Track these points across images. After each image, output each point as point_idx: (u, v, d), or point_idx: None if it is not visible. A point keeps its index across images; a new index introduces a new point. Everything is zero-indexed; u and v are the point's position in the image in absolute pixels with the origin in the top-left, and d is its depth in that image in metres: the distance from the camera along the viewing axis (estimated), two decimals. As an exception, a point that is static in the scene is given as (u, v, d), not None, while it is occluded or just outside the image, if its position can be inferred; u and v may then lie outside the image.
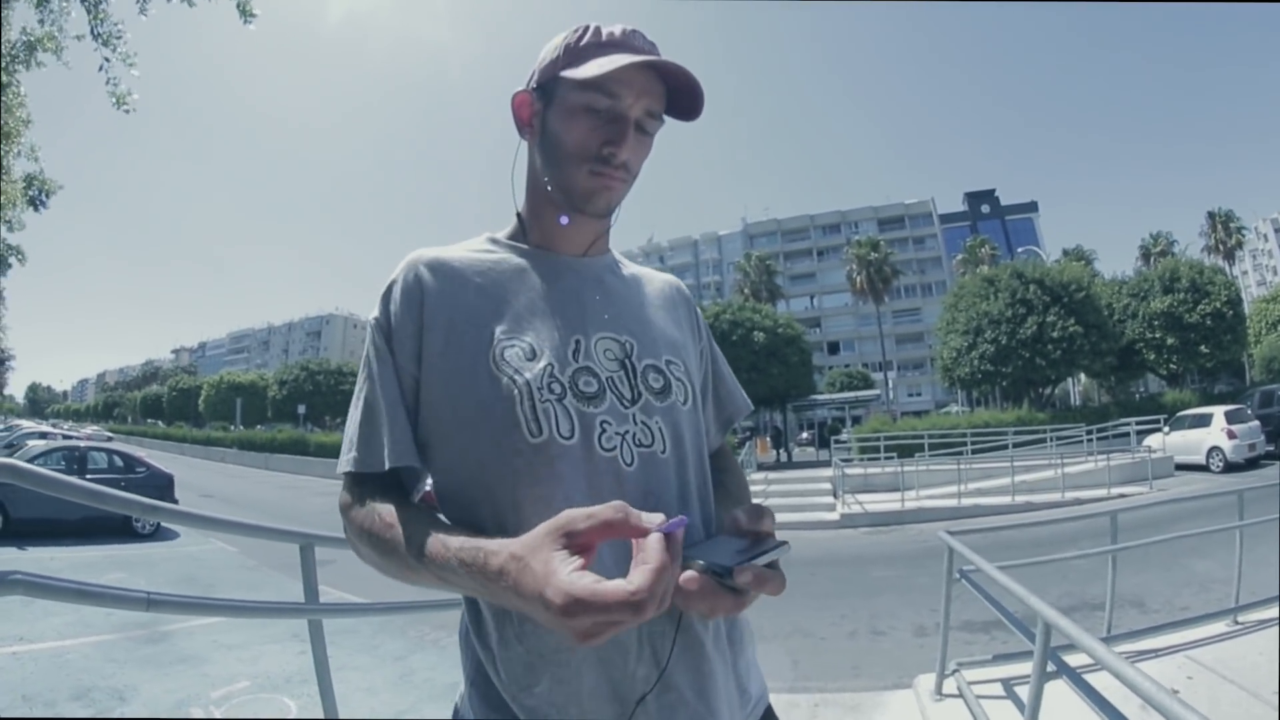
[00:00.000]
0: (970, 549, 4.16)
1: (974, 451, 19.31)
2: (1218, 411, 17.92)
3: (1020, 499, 13.98)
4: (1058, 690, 2.80)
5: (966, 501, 13.78)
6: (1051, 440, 18.86)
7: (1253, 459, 16.80)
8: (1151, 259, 41.86)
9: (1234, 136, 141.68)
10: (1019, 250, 40.12)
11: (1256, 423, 17.73)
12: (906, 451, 17.99)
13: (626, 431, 0.89)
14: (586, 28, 0.94)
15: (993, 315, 25.84)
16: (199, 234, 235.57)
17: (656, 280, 1.12)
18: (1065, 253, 48.64)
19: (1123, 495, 13.53)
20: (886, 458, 17.94)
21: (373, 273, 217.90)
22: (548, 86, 0.94)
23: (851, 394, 35.00)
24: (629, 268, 1.10)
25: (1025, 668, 2.89)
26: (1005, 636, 5.49)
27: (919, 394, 65.18)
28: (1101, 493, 13.96)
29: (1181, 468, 17.09)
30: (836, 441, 23.02)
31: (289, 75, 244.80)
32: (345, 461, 0.90)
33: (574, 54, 0.92)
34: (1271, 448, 17.60)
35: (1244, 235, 50.94)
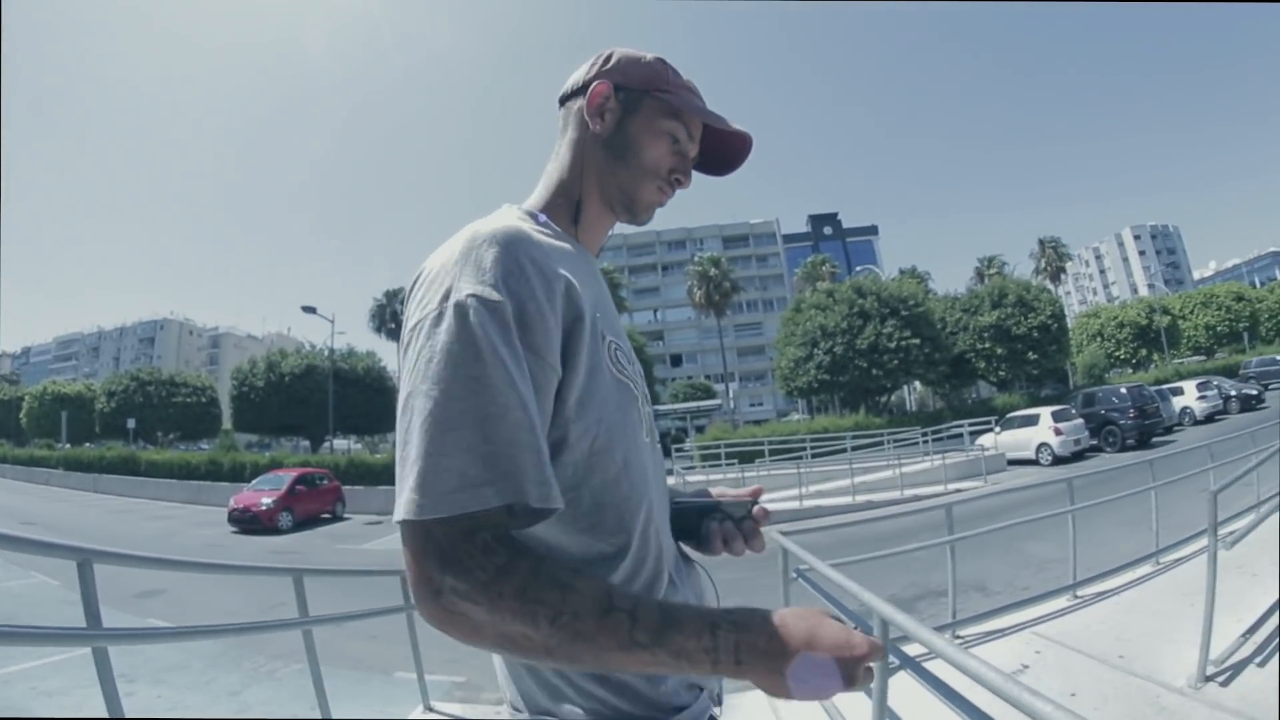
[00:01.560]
0: (808, 548, 4.30)
1: (814, 456, 20.73)
2: (1045, 412, 20.83)
3: (861, 498, 15.00)
4: (905, 682, 2.83)
5: (808, 503, 14.52)
6: (889, 443, 20.95)
7: (1078, 453, 19.81)
8: (984, 279, 47.01)
9: (1064, 175, 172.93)
10: (858, 269, 44.34)
11: (1080, 421, 20.79)
12: (747, 458, 19.51)
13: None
14: (664, 61, 1.06)
15: (830, 327, 28.71)
16: (22, 225, 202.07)
17: None
18: (902, 272, 53.86)
19: (959, 490, 14.70)
20: (728, 464, 19.22)
21: (214, 275, 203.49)
22: (634, 96, 1.04)
23: (693, 404, 38.23)
24: None
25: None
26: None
27: (761, 404, 70.52)
28: (939, 489, 15.18)
29: (1014, 463, 19.57)
30: (678, 450, 24.42)
31: (122, 59, 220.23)
32: (472, 496, 0.75)
33: (663, 81, 1.05)
34: (1094, 442, 20.83)
35: (1069, 260, 59.29)
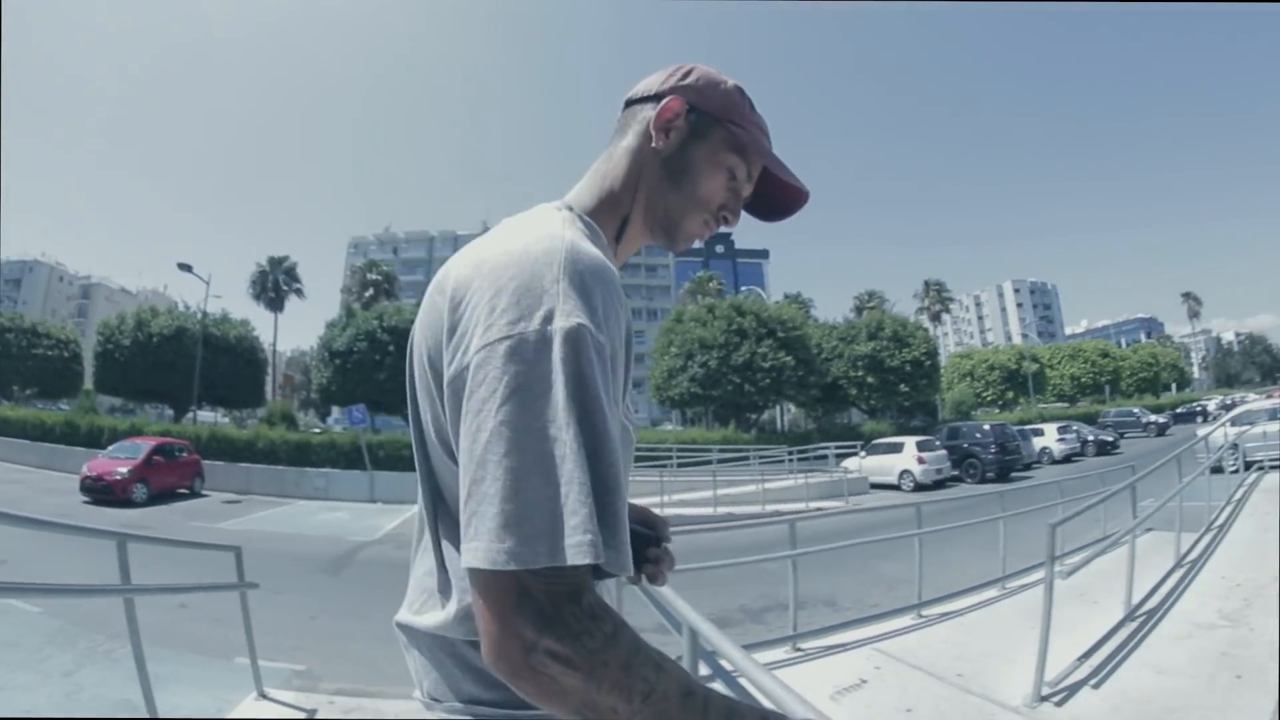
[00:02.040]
0: None
1: (679, 465, 21.26)
2: (910, 441, 22.08)
3: (722, 510, 15.28)
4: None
5: (669, 511, 14.59)
6: (754, 459, 21.51)
7: (939, 481, 20.98)
8: (863, 312, 49.39)
9: (950, 232, 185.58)
10: (743, 288, 45.84)
11: (944, 452, 22.20)
12: None
13: None
14: (743, 92, 1.04)
15: (707, 341, 29.48)
16: None
17: None
18: (787, 296, 56.16)
19: (820, 509, 14.95)
20: None
21: (93, 217, 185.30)
22: (705, 121, 1.00)
23: None
24: None
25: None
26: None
27: (637, 411, 69.21)
28: (800, 506, 15.53)
29: (877, 486, 20.42)
30: None
31: None
32: (581, 549, 0.67)
33: (738, 113, 1.01)
34: (956, 473, 22.24)
35: (951, 303, 64.33)
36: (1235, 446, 13.44)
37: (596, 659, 0.67)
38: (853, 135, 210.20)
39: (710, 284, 56.81)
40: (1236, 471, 12.10)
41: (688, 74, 1.02)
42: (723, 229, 1.07)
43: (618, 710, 0.68)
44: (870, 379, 33.37)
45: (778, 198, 1.08)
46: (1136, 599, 5.78)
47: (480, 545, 0.68)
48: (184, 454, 20.01)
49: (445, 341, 0.80)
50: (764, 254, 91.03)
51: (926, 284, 61.72)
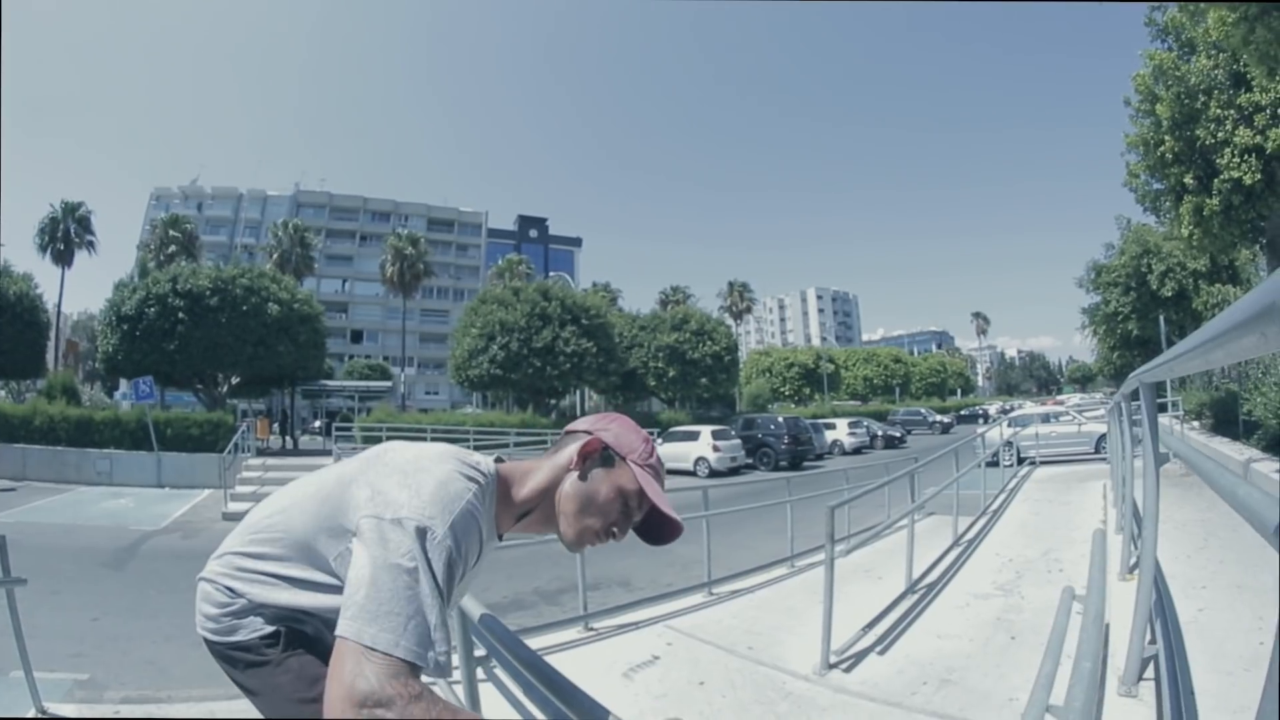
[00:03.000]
0: None
1: (475, 448, 20.15)
2: (705, 430, 23.21)
3: None
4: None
5: None
6: (552, 442, 20.98)
7: (734, 469, 22.21)
8: (668, 305, 51.36)
9: (760, 236, 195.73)
10: (552, 275, 46.69)
11: (738, 441, 23.48)
12: (408, 440, 18.71)
13: None
14: (654, 447, 1.43)
15: (509, 323, 29.55)
16: None
17: None
18: (595, 285, 58.16)
19: None
20: None
21: None
22: (613, 457, 1.36)
23: (364, 383, 37.94)
24: None
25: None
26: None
27: (437, 393, 70.80)
28: None
29: (672, 473, 20.57)
30: (340, 430, 24.91)
31: None
32: (421, 655, 1.08)
33: (644, 458, 1.37)
34: (750, 461, 23.81)
35: (753, 304, 68.31)
36: (1010, 444, 15.21)
37: (414, 705, 0.99)
38: (675, 131, 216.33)
39: (519, 266, 56.88)
40: (1011, 466, 13.51)
41: (611, 423, 1.42)
42: (613, 540, 1.37)
43: None
44: (671, 370, 34.70)
45: (661, 528, 1.38)
46: (917, 574, 6.16)
47: (358, 627, 1.04)
48: (-53, 434, 17.14)
49: (367, 489, 1.25)
50: (577, 242, 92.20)
51: (730, 284, 65.46)
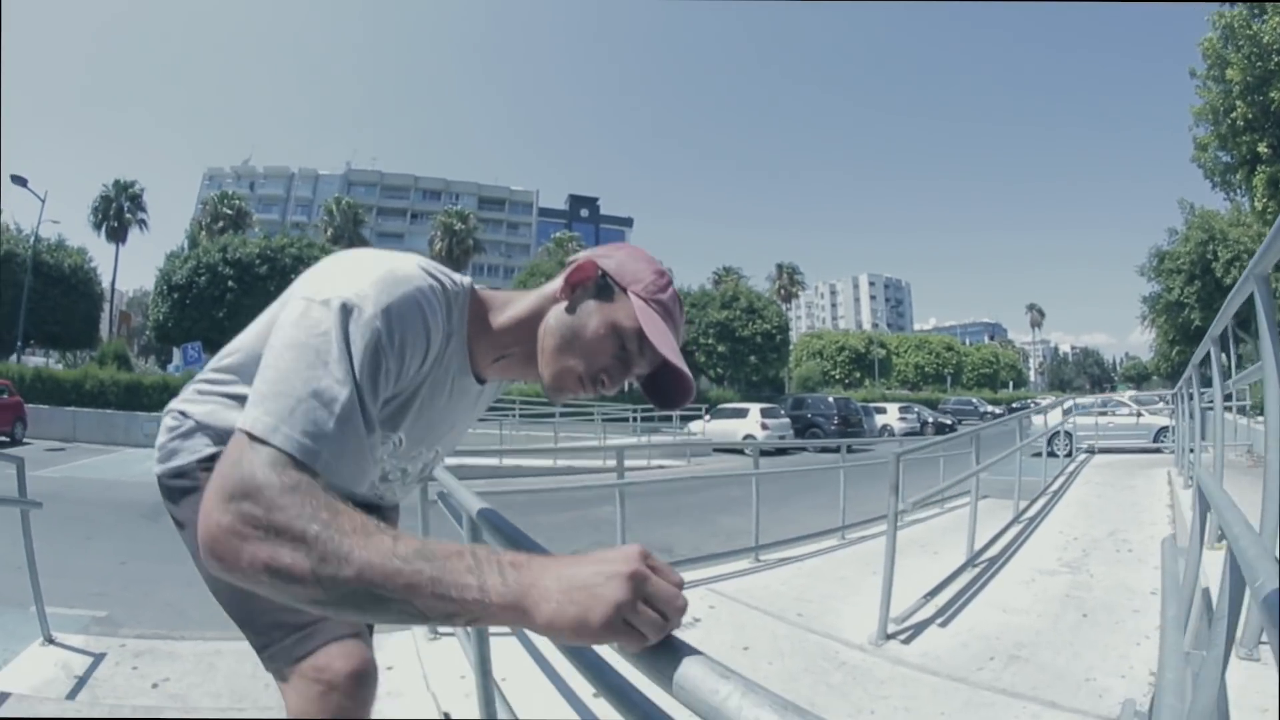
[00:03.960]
0: (501, 507, 3.77)
1: (521, 418, 20.98)
2: (754, 407, 22.75)
3: (562, 463, 15.13)
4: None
5: (508, 462, 14.31)
6: (599, 417, 21.67)
7: (781, 449, 21.01)
8: (720, 284, 51.06)
9: (812, 223, 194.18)
10: None
11: (787, 420, 23.04)
12: None
13: None
14: (670, 281, 1.15)
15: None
16: None
17: None
18: None
19: (661, 467, 15.15)
20: None
21: None
22: (611, 287, 1.10)
23: None
24: None
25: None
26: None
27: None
28: (642, 463, 15.47)
29: (720, 450, 20.07)
30: None
31: None
32: (292, 438, 0.86)
33: (651, 291, 1.10)
34: (798, 441, 22.64)
35: (802, 288, 67.59)
36: (1069, 434, 14.70)
37: (286, 525, 0.75)
38: (728, 114, 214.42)
39: (570, 244, 56.79)
40: (1068, 455, 13.01)
41: (617, 250, 1.15)
42: (603, 393, 1.14)
43: (296, 569, 0.73)
44: (721, 347, 34.59)
45: (669, 383, 1.15)
46: (978, 548, 5.78)
47: (247, 413, 0.85)
48: (4, 395, 17.85)
49: (311, 277, 1.03)
50: (628, 222, 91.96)
51: (779, 266, 64.58)
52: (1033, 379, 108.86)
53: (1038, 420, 13.44)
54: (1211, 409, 4.65)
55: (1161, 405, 17.85)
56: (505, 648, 3.15)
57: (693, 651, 0.70)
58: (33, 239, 29.50)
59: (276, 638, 1.25)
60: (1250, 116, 13.24)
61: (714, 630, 4.20)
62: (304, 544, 0.73)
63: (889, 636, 3.94)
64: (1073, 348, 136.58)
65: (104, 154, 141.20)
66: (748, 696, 0.59)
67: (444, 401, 1.14)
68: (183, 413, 1.28)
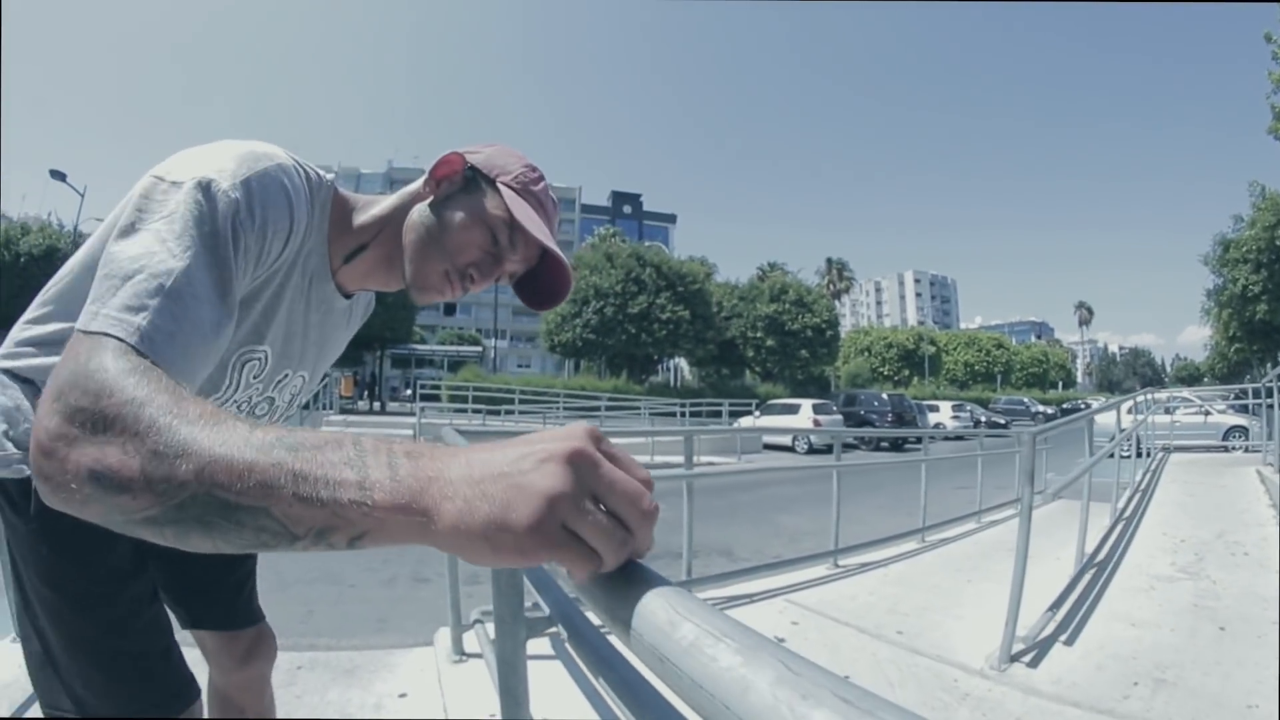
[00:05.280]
0: None
1: (565, 411, 20.61)
2: (806, 404, 22.13)
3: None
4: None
5: None
6: (645, 412, 21.44)
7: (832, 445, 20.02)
8: (766, 278, 49.91)
9: (858, 221, 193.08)
10: (648, 242, 46.81)
11: (840, 416, 22.25)
12: (496, 404, 19.54)
13: None
14: (542, 176, 1.08)
15: (603, 288, 29.52)
16: None
17: None
18: (691, 258, 57.71)
19: (710, 463, 14.57)
20: (475, 410, 19.13)
21: None
22: (479, 179, 1.03)
23: (452, 348, 37.48)
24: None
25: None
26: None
27: (528, 365, 71.97)
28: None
29: (770, 447, 20.15)
30: (425, 394, 24.05)
31: None
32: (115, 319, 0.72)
33: (523, 183, 1.04)
34: (851, 440, 21.82)
35: (852, 283, 67.83)
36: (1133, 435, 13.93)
37: (117, 412, 0.58)
38: (772, 113, 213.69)
39: (612, 239, 56.96)
40: (1129, 457, 12.35)
41: (486, 146, 1.07)
42: (471, 290, 1.06)
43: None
44: (770, 341, 34.02)
45: (547, 278, 1.09)
46: (1084, 551, 5.22)
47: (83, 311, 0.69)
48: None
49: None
50: (671, 219, 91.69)
51: (829, 261, 64.69)
52: (1080, 379, 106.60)
53: (1107, 419, 12.86)
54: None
55: (1224, 405, 16.99)
56: (545, 673, 2.81)
57: (662, 582, 0.50)
58: (74, 234, 29.94)
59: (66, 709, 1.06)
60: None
61: (804, 653, 3.58)
62: (135, 436, 0.55)
63: (1013, 658, 3.41)
64: (1120, 348, 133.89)
65: (145, 149, 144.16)
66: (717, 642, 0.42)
67: (303, 309, 1.06)
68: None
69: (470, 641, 3.35)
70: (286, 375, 1.11)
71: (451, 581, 3.36)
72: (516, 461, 0.50)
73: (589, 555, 0.50)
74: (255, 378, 1.04)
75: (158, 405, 0.57)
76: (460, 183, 1.02)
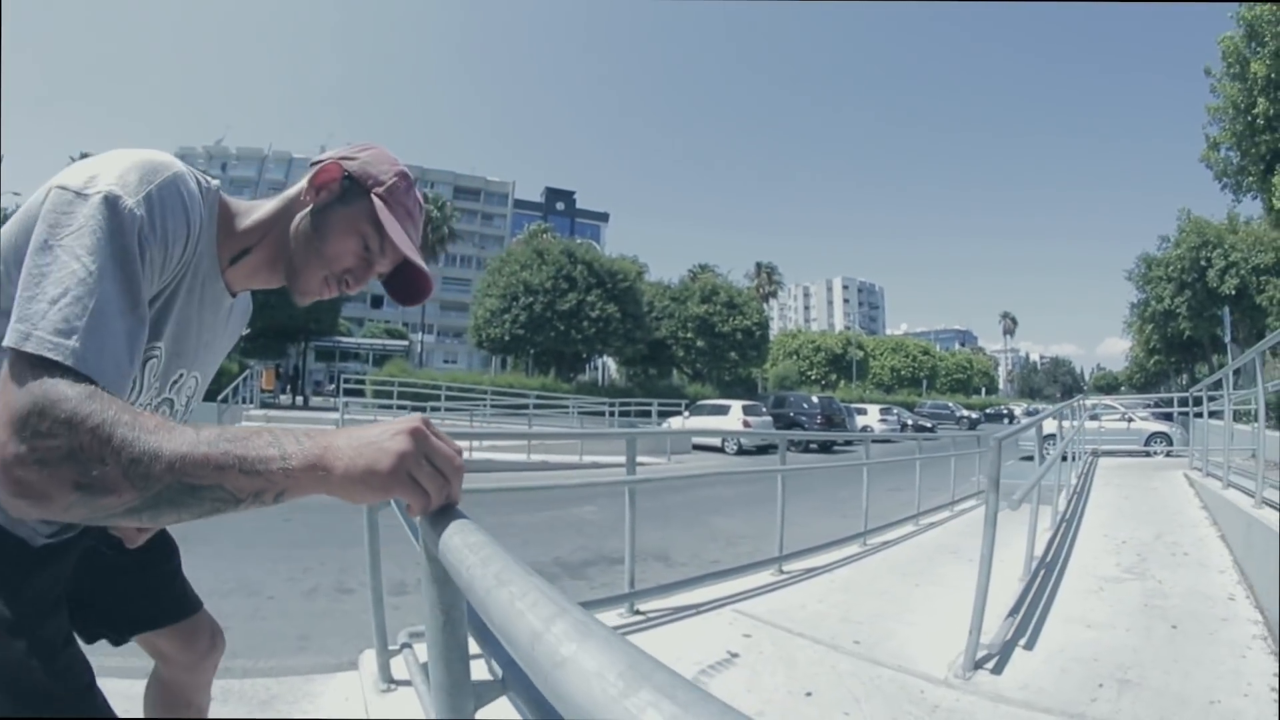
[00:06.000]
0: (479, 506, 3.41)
1: (493, 408, 20.40)
2: (736, 404, 22.25)
3: (536, 458, 14.67)
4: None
5: (479, 455, 13.80)
6: (574, 410, 21.26)
7: (762, 446, 20.71)
8: (697, 279, 50.38)
9: (786, 227, 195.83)
10: (579, 238, 46.53)
11: (770, 418, 22.48)
12: (422, 400, 19.42)
13: None
14: (412, 184, 1.18)
15: (533, 285, 29.26)
16: None
17: None
18: (622, 257, 57.69)
19: (641, 464, 14.14)
20: (400, 406, 18.99)
21: None
22: (355, 188, 1.12)
23: (378, 341, 36.88)
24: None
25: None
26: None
27: (455, 361, 70.88)
28: (620, 459, 14.50)
29: (699, 448, 20.03)
30: (350, 389, 23.56)
31: None
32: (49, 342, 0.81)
33: (393, 193, 1.13)
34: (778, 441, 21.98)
35: (780, 286, 68.55)
36: (1053, 438, 14.34)
37: (92, 436, 0.70)
38: (705, 115, 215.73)
39: (544, 235, 56.56)
40: (1065, 460, 12.71)
41: (363, 150, 1.16)
42: (345, 293, 1.20)
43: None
44: (700, 342, 34.35)
45: (410, 281, 1.21)
46: (1027, 554, 5.18)
47: (10, 328, 0.77)
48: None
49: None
50: (604, 217, 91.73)
51: (759, 265, 65.30)
52: (1002, 386, 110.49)
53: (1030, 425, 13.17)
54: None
55: (1145, 412, 17.66)
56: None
57: (462, 516, 0.76)
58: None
59: None
60: (1271, 114, 12.98)
61: (761, 669, 3.42)
62: (111, 450, 0.70)
63: (976, 665, 3.28)
64: (1041, 357, 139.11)
65: (70, 130, 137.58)
66: (489, 566, 0.62)
67: (195, 308, 1.11)
68: None
69: (399, 667, 3.05)
70: (181, 375, 1.15)
71: (375, 598, 3.05)
72: (379, 434, 0.75)
73: (423, 495, 0.76)
74: (154, 377, 1.08)
75: (124, 424, 0.71)
76: (338, 191, 1.11)
